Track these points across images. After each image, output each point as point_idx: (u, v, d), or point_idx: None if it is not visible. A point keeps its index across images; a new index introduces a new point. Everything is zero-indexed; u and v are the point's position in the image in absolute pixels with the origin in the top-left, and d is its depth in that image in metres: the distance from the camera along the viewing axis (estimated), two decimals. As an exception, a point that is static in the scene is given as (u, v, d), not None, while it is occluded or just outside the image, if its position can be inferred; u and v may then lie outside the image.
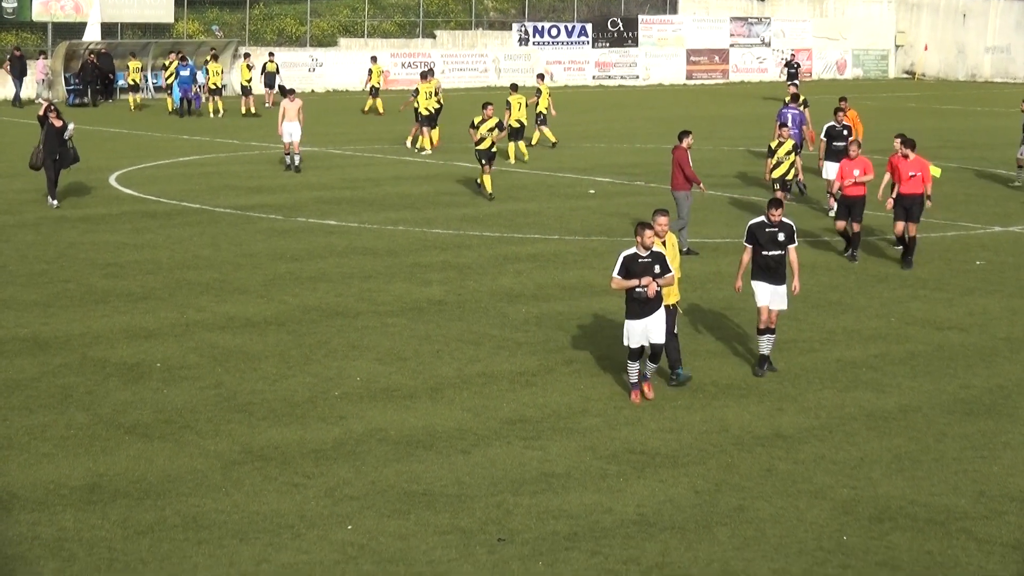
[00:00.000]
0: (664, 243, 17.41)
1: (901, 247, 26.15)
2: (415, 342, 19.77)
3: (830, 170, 29.97)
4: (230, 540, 12.67)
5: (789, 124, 32.55)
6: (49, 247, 26.54)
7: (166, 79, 57.70)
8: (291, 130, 37.68)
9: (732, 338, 20.23)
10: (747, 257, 18.47)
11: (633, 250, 16.90)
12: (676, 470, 14.73)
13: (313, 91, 65.96)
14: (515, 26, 75.15)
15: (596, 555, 12.46)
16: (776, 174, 29.15)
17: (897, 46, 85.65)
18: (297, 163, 37.76)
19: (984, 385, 18.13)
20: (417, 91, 43.19)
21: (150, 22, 66.36)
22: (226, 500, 13.63)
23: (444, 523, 13.14)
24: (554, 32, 75.38)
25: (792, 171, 29.36)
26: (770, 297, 18.30)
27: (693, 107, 62.31)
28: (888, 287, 23.99)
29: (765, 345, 18.30)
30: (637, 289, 16.75)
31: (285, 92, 40.07)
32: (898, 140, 26.32)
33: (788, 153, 29.12)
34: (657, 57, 77.81)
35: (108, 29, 64.23)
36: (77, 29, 62.95)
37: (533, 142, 44.27)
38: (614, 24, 76.91)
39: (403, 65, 69.92)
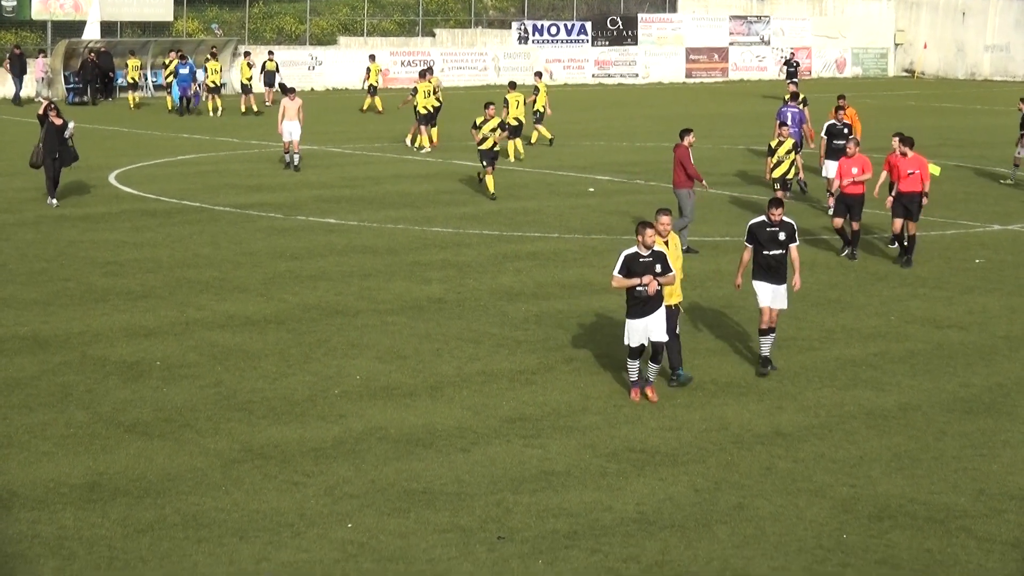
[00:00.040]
0: (667, 243, 17.40)
1: (896, 245, 26.17)
2: (415, 340, 19.78)
3: (831, 168, 29.97)
4: (230, 538, 12.67)
5: (789, 123, 32.54)
6: (49, 245, 26.54)
7: (166, 78, 57.69)
8: (291, 129, 37.66)
9: (732, 336, 20.24)
10: (747, 256, 18.48)
11: (634, 249, 16.89)
12: (676, 468, 14.73)
13: (313, 89, 65.94)
14: (515, 24, 75.16)
15: (596, 553, 12.46)
16: (777, 173, 29.15)
17: (896, 44, 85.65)
18: (296, 162, 37.74)
19: (983, 383, 18.13)
20: (415, 90, 43.20)
21: (149, 20, 66.36)
22: (226, 498, 13.63)
23: (444, 521, 13.15)
24: (553, 30, 75.37)
25: (792, 170, 29.39)
26: (771, 297, 18.30)
27: (692, 105, 62.30)
28: (887, 285, 24.00)
29: (767, 346, 18.29)
30: (638, 288, 16.75)
31: (286, 90, 40.04)
32: (896, 138, 26.34)
33: (788, 152, 29.13)
34: (656, 55, 77.81)
35: (107, 27, 64.25)
36: (76, 27, 62.96)
37: (532, 141, 44.29)
38: (613, 22, 76.91)
39: (403, 64, 69.90)
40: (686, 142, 26.59)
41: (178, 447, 15.13)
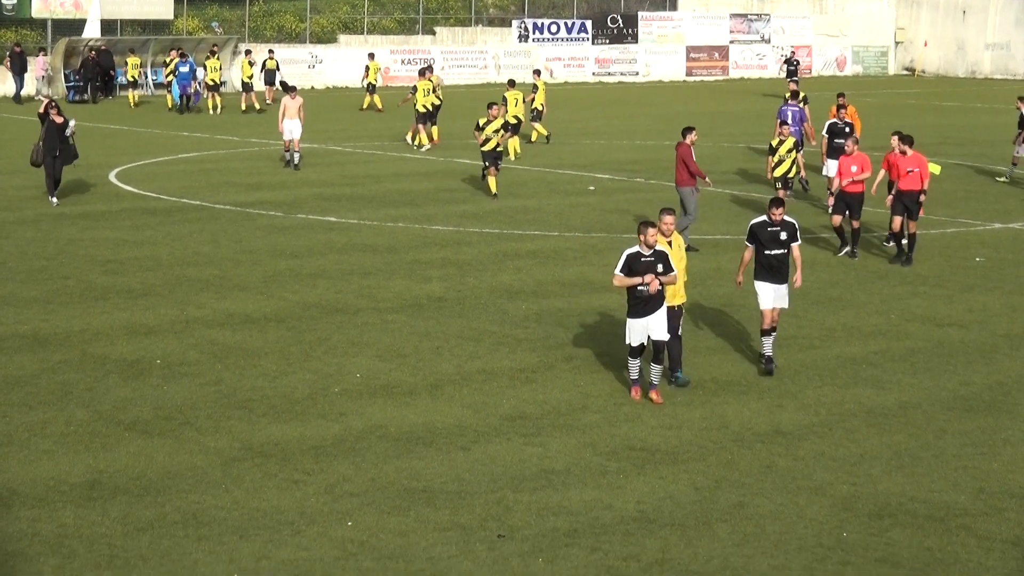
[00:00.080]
0: (670, 243, 17.37)
1: (892, 244, 26.18)
2: (415, 339, 19.78)
3: (832, 167, 29.97)
4: (230, 537, 12.67)
5: (789, 121, 32.57)
6: (49, 244, 26.54)
7: (167, 76, 57.70)
8: (291, 127, 37.64)
9: (732, 335, 20.24)
10: (748, 255, 18.46)
11: (636, 248, 16.87)
12: (676, 467, 14.73)
13: (313, 88, 65.93)
14: (515, 23, 75.15)
15: (596, 551, 12.46)
16: (778, 172, 29.18)
17: (897, 43, 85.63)
18: (296, 161, 37.72)
19: (984, 382, 18.13)
20: (415, 88, 43.20)
21: (149, 19, 66.36)
22: (226, 497, 13.63)
23: (444, 520, 13.14)
24: (554, 29, 75.37)
25: (794, 168, 29.42)
26: (773, 298, 18.28)
27: (693, 104, 62.30)
28: (888, 284, 23.99)
29: (769, 345, 18.25)
30: (639, 288, 16.73)
31: (287, 88, 40.00)
32: (895, 137, 26.33)
33: (789, 150, 29.16)
34: (657, 54, 77.81)
35: (108, 26, 64.24)
36: (77, 26, 62.97)
37: (532, 139, 44.29)
38: (614, 21, 76.89)
39: (403, 62, 69.88)
40: (688, 140, 26.59)
41: (178, 445, 15.13)
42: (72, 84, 59.33)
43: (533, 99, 44.41)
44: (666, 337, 16.94)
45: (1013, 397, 17.47)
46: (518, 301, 22.22)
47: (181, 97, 55.41)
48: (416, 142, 43.19)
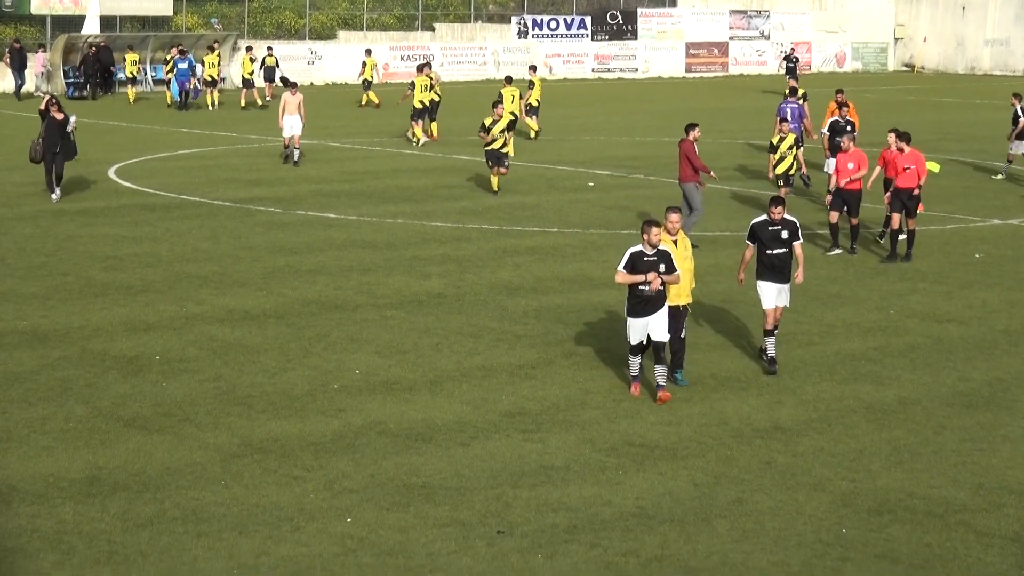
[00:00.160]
0: (675, 242, 17.32)
1: (884, 240, 26.17)
2: (414, 335, 19.78)
3: (833, 165, 29.98)
4: (229, 533, 12.67)
5: (789, 118, 32.57)
6: (48, 240, 26.54)
7: (167, 73, 57.68)
8: (291, 123, 37.61)
9: (731, 331, 20.24)
10: (748, 254, 18.42)
11: (639, 247, 16.83)
12: (675, 463, 14.73)
13: (312, 84, 65.92)
14: (514, 19, 75.15)
15: (595, 547, 12.47)
16: (779, 169, 29.20)
17: (896, 39, 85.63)
18: (296, 158, 37.69)
19: (983, 378, 18.13)
20: (413, 84, 43.19)
21: (149, 15, 66.34)
22: (225, 493, 13.63)
23: (443, 516, 13.15)
24: (553, 25, 75.36)
25: (794, 165, 29.46)
26: (776, 297, 18.26)
27: (692, 100, 62.29)
28: (887, 280, 24.00)
29: (771, 345, 18.21)
30: (640, 286, 16.69)
31: (287, 84, 39.97)
32: (892, 135, 26.33)
33: (790, 147, 29.19)
34: (656, 50, 77.81)
35: (107, 22, 64.22)
36: (76, 22, 62.94)
37: (533, 136, 44.27)
38: (613, 17, 76.88)
39: (402, 58, 69.88)
40: (691, 136, 26.59)
41: (177, 441, 15.13)
42: (71, 80, 59.31)
43: (529, 95, 44.39)
44: (666, 338, 16.88)
45: (1012, 393, 17.47)
46: (517, 297, 22.23)
47: (180, 93, 55.40)
48: (414, 138, 43.17)
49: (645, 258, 16.72)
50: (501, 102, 34.36)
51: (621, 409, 16.52)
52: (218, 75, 55.64)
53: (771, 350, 18.20)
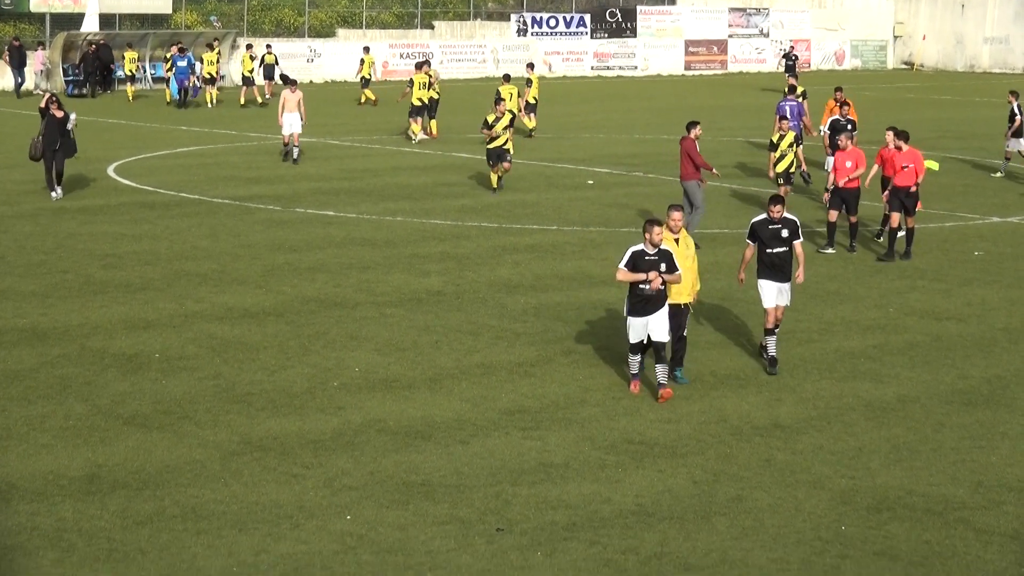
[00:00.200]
0: (677, 240, 17.31)
1: (882, 236, 26.16)
2: (414, 333, 19.78)
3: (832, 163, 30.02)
4: (229, 530, 12.68)
5: (788, 116, 32.58)
6: (47, 238, 26.54)
7: (166, 71, 57.67)
8: (291, 121, 37.59)
9: (731, 329, 20.24)
10: (748, 254, 18.39)
11: (641, 246, 16.82)
12: (675, 460, 14.74)
13: (311, 82, 65.90)
14: (514, 17, 75.13)
15: (595, 545, 12.47)
16: (780, 167, 29.19)
17: (896, 37, 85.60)
18: (295, 156, 37.68)
19: (982, 375, 18.14)
20: (411, 82, 43.18)
21: (148, 13, 66.32)
22: (225, 491, 13.63)
23: (443, 513, 13.15)
24: (552, 23, 75.34)
25: (794, 163, 29.47)
26: (777, 295, 18.25)
27: (691, 98, 62.27)
28: (886, 278, 24.00)
29: (772, 345, 18.20)
30: (640, 285, 16.68)
31: (287, 82, 39.97)
32: (890, 133, 26.33)
33: (790, 145, 29.19)
34: (655, 48, 77.77)
35: (106, 20, 64.20)
36: (75, 20, 62.92)
37: (532, 134, 44.27)
38: (612, 15, 76.86)
39: (401, 56, 69.86)
40: (692, 134, 26.58)
41: (177, 439, 15.13)
42: (71, 78, 59.29)
43: (527, 93, 44.41)
44: (666, 339, 16.85)
45: (1011, 391, 17.48)
46: (517, 295, 22.23)
47: (180, 91, 55.39)
48: (410, 133, 43.14)
49: (646, 257, 16.70)
50: (502, 99, 34.29)
51: (620, 407, 16.52)
52: (217, 73, 55.63)
53: (772, 349, 18.19)
